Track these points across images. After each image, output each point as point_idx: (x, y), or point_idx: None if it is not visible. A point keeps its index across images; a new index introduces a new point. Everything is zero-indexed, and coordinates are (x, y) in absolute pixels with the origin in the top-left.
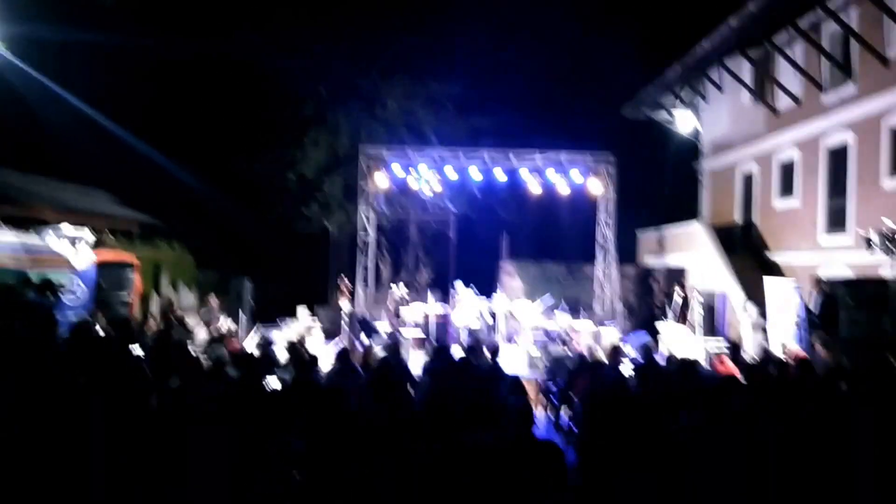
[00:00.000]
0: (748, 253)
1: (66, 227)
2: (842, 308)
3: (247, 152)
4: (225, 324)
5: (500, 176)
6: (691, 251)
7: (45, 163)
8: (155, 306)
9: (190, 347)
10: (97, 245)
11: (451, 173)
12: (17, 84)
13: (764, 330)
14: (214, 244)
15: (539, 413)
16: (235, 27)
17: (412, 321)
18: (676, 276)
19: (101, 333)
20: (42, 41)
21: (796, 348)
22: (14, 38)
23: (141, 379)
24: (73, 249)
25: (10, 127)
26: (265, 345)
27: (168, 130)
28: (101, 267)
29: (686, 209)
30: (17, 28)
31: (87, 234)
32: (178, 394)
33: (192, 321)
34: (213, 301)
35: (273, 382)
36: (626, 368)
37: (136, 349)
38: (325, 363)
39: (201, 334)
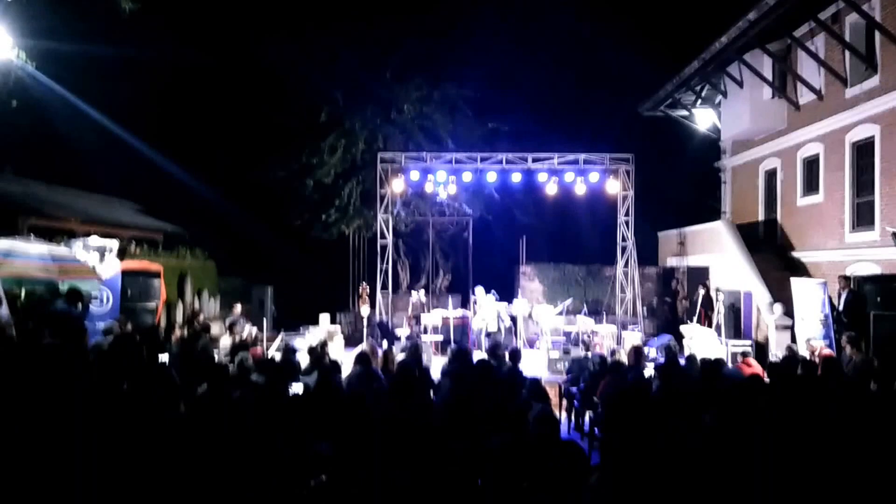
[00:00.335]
0: (772, 252)
1: (93, 238)
2: (870, 306)
3: (265, 160)
4: (249, 330)
5: (518, 178)
6: (714, 251)
7: (70, 175)
8: (180, 314)
9: (216, 354)
10: (123, 254)
11: (469, 177)
12: (41, 97)
13: (790, 329)
14: (236, 252)
15: (561, 416)
16: (251, 36)
17: (432, 326)
18: (699, 277)
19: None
20: (64, 54)
21: (823, 347)
22: (37, 52)
23: (169, 385)
24: (100, 259)
25: (36, 140)
26: (288, 351)
27: (187, 140)
28: (127, 276)
29: (707, 208)
30: (40, 42)
31: (112, 244)
32: (205, 400)
33: (216, 328)
34: (238, 308)
35: (296, 388)
36: (649, 370)
37: (163, 357)
38: (347, 369)
39: (226, 342)
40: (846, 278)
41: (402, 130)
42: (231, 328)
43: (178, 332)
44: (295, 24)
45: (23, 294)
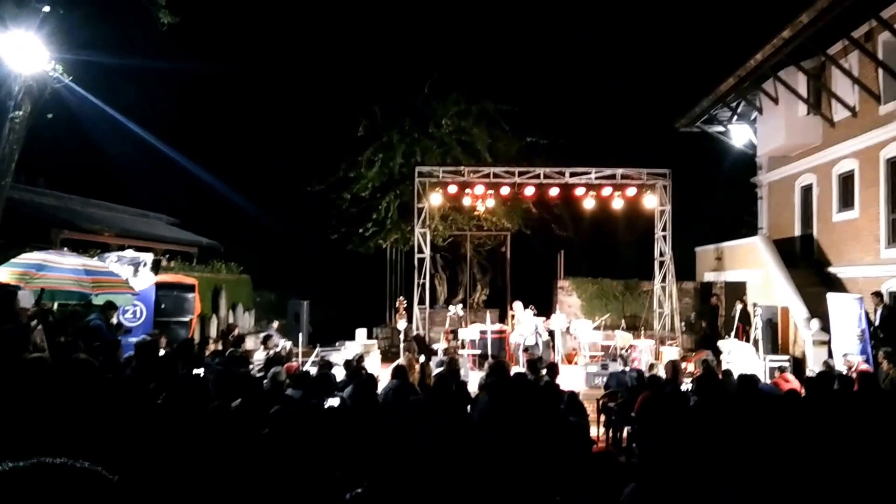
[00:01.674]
0: (809, 267)
1: (127, 251)
2: None
3: (302, 174)
4: (283, 345)
5: (556, 193)
6: (751, 266)
7: (105, 188)
8: (214, 328)
9: (249, 368)
10: (157, 268)
11: (506, 191)
12: (76, 110)
13: (827, 345)
14: (272, 266)
15: (599, 431)
16: (289, 50)
17: (469, 340)
18: (736, 292)
19: (163, 353)
20: (100, 66)
21: (860, 363)
22: (73, 65)
23: (203, 399)
24: (134, 272)
25: (71, 153)
26: (324, 366)
27: (224, 153)
28: (162, 289)
29: (744, 223)
30: (76, 54)
31: (147, 258)
32: (239, 414)
33: (250, 343)
34: (275, 323)
35: (332, 402)
36: (686, 386)
37: (198, 370)
38: (384, 384)
39: (260, 356)
40: (879, 295)
41: (440, 144)
42: (265, 342)
43: (212, 347)
44: (334, 38)
45: (55, 307)
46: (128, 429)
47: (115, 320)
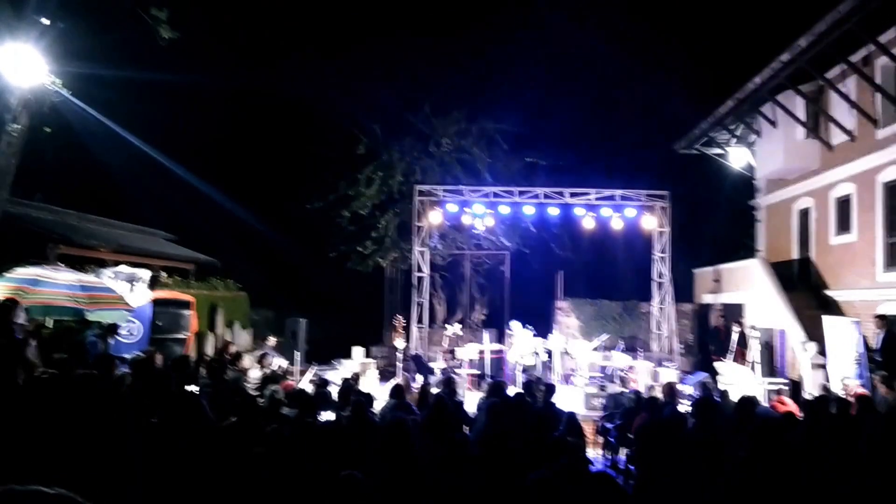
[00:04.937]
0: (806, 290)
1: (123, 267)
2: None
3: (301, 191)
4: (279, 363)
5: (555, 213)
6: (749, 288)
7: (103, 203)
8: (210, 345)
9: (245, 386)
10: (154, 284)
11: (506, 210)
12: (75, 124)
13: (824, 368)
14: (269, 283)
15: (597, 452)
16: (290, 67)
17: (467, 360)
18: (734, 314)
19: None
20: (100, 80)
21: (857, 386)
22: (72, 78)
23: (198, 417)
24: (131, 288)
25: (70, 168)
26: (320, 384)
27: (223, 170)
28: (158, 306)
29: (742, 246)
30: (75, 67)
31: (144, 274)
32: (234, 432)
33: (247, 361)
34: (271, 341)
35: (328, 416)
36: (684, 407)
37: (192, 387)
38: (380, 403)
39: (255, 374)
40: (883, 318)
41: (440, 163)
42: (261, 360)
43: (208, 364)
44: (336, 57)
45: (50, 323)
46: (128, 446)
47: (112, 340)
